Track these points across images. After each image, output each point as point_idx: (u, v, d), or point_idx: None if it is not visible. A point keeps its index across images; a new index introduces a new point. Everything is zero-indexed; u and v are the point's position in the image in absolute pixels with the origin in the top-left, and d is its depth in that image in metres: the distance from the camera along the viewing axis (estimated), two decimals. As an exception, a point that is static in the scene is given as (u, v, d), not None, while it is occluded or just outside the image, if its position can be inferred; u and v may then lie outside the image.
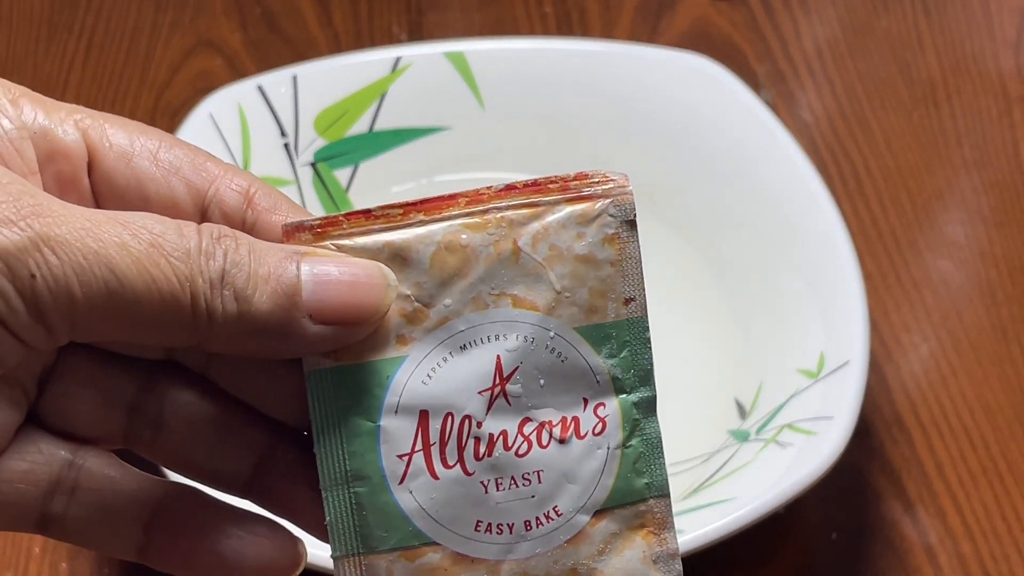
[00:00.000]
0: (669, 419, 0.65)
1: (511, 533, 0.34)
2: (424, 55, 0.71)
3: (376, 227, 0.34)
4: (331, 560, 0.34)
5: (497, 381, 0.34)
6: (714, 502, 0.58)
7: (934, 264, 0.73)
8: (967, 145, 0.78)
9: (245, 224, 0.35)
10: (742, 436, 0.62)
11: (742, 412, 0.64)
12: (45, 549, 0.63)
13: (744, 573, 0.62)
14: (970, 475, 0.65)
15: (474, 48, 0.72)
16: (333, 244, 0.34)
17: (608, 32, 0.83)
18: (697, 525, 0.56)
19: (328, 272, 0.34)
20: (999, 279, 0.73)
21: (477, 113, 0.71)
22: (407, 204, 0.34)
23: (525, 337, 0.34)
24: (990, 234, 0.74)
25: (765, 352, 0.65)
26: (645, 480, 0.35)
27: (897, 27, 0.84)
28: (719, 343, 0.67)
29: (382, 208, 0.34)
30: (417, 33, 0.83)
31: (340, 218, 0.34)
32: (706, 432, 0.64)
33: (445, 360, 0.34)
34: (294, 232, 0.34)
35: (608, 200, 0.36)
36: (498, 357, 0.34)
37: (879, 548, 0.63)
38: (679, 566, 0.36)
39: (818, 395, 0.60)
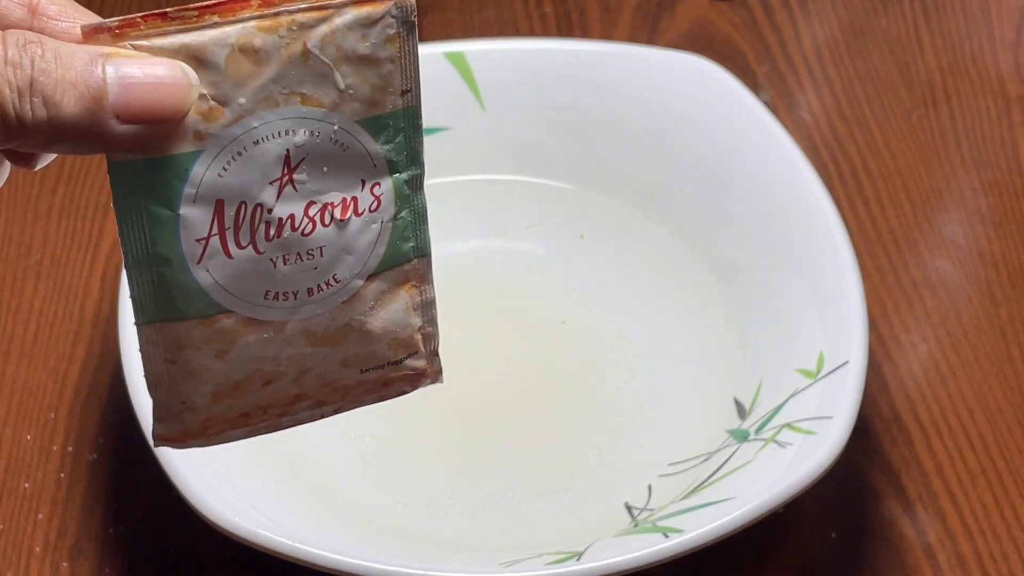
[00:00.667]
0: (669, 418, 0.65)
1: (295, 299, 0.39)
2: (424, 55, 0.71)
3: (172, 29, 0.36)
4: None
5: (285, 172, 0.38)
6: (714, 501, 0.58)
7: (933, 264, 0.73)
8: (966, 145, 0.78)
9: None
10: (742, 436, 0.62)
11: (741, 412, 0.64)
12: (46, 549, 0.63)
13: (743, 572, 0.63)
14: (969, 475, 0.65)
15: (474, 48, 0.72)
16: (131, 45, 0.36)
17: (608, 32, 0.84)
18: (697, 524, 0.56)
19: (132, 73, 0.36)
20: (998, 279, 0.73)
21: (477, 113, 0.72)
22: (202, 6, 0.37)
23: (312, 131, 0.38)
24: (989, 234, 0.75)
25: (764, 352, 0.65)
26: (411, 244, 0.40)
27: (896, 28, 0.84)
28: (719, 343, 0.67)
29: (178, 10, 0.36)
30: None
31: (137, 19, 0.36)
32: (706, 431, 0.64)
33: (239, 154, 0.37)
34: (93, 33, 0.36)
35: (391, 3, 0.38)
36: (287, 150, 0.37)
37: (878, 547, 0.63)
38: (435, 311, 0.42)
39: (817, 395, 0.60)
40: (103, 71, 0.36)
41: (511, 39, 0.81)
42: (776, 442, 0.59)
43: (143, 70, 0.36)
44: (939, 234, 0.75)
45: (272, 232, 0.38)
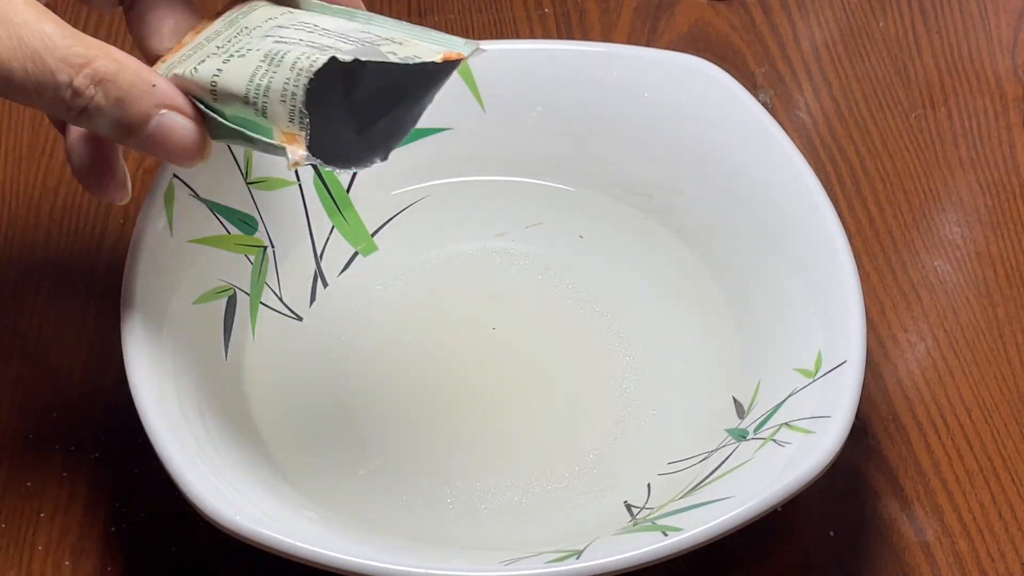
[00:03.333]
0: (668, 417, 0.66)
1: None
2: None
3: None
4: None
5: None
6: (712, 500, 0.58)
7: (931, 264, 0.74)
8: (964, 146, 0.79)
9: None
10: (740, 435, 0.62)
11: (740, 411, 0.64)
12: (48, 547, 0.63)
13: (742, 570, 0.63)
14: (966, 473, 0.66)
15: (474, 49, 0.72)
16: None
17: (607, 33, 0.84)
18: (695, 522, 0.56)
19: (173, 133, 0.48)
20: (995, 279, 0.73)
21: (478, 113, 0.72)
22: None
23: None
24: (986, 234, 0.75)
25: (763, 351, 0.65)
26: None
27: (894, 29, 0.84)
28: (717, 342, 0.67)
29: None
30: (417, 34, 0.83)
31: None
32: (704, 431, 0.64)
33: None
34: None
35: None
36: None
37: (876, 546, 0.63)
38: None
39: (816, 394, 0.61)
40: (152, 124, 0.48)
41: (511, 39, 0.82)
42: (775, 441, 0.60)
43: (182, 136, 0.48)
44: (937, 234, 0.75)
45: None
